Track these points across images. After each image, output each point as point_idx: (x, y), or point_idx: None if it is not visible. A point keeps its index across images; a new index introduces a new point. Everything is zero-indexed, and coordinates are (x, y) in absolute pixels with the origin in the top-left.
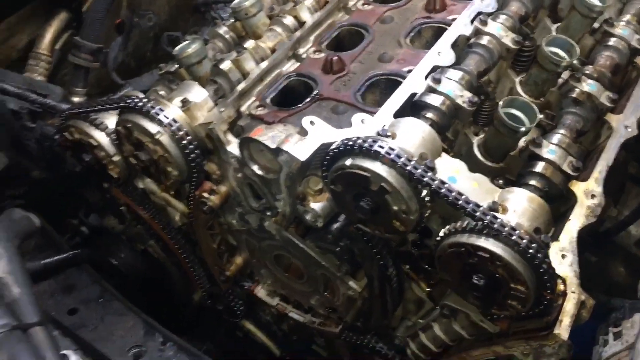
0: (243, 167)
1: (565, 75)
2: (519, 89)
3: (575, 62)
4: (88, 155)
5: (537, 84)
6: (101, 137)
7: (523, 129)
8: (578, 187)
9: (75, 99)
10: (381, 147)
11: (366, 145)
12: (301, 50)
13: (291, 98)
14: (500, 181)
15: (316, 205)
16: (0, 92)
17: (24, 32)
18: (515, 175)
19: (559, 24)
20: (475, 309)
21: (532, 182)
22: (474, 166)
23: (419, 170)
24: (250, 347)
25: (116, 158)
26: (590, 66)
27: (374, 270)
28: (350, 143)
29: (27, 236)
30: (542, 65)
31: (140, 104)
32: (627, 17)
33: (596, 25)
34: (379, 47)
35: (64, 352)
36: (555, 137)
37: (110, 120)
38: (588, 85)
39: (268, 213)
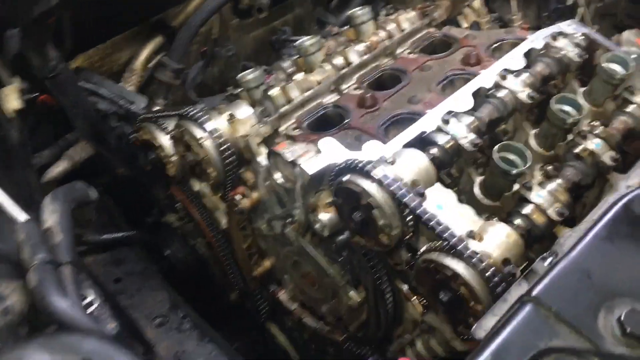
0: (270, 176)
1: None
2: (531, 140)
3: (583, 120)
4: (152, 153)
5: (547, 137)
6: (163, 139)
7: (514, 171)
8: (561, 232)
9: (158, 109)
10: (373, 167)
11: (361, 165)
12: (343, 86)
13: (326, 125)
14: (495, 218)
15: (324, 216)
16: (94, 94)
17: (125, 50)
18: None
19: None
20: (447, 328)
21: (517, 221)
22: (474, 202)
23: (402, 191)
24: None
25: (173, 158)
26: (602, 127)
27: (368, 283)
28: (350, 162)
29: (84, 204)
30: (551, 121)
31: (192, 113)
32: None
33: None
34: (411, 91)
35: (84, 291)
36: (548, 184)
37: (173, 125)
38: (593, 143)
39: (288, 220)
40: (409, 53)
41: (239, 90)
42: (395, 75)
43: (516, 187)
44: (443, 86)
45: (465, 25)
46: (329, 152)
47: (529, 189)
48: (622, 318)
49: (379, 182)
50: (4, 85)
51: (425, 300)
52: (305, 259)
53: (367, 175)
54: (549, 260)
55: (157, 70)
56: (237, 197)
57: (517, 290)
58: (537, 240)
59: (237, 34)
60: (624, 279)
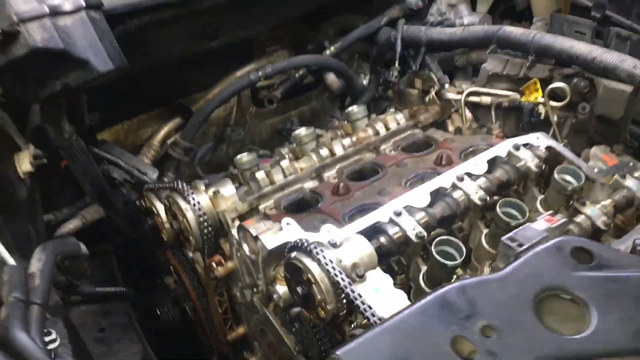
0: (240, 248)
1: None
2: (483, 239)
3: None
4: (151, 219)
5: (494, 237)
6: (160, 207)
7: (450, 264)
8: None
9: (166, 180)
10: (315, 247)
11: (306, 244)
12: (325, 174)
13: (302, 207)
14: None
15: (281, 289)
16: (112, 163)
17: (149, 127)
18: None
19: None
20: None
21: None
22: (419, 291)
23: (335, 271)
24: None
25: (167, 225)
26: None
27: (315, 354)
28: (300, 241)
29: (72, 257)
30: (497, 223)
31: (180, 187)
32: (607, 201)
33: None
34: (383, 184)
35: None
36: None
37: None
38: None
39: (255, 289)
40: (391, 150)
41: (236, 170)
42: (374, 168)
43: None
44: (412, 182)
45: (451, 129)
46: (288, 230)
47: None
48: None
49: (318, 261)
50: (20, 150)
51: None
52: (269, 328)
53: (309, 254)
54: None
55: (170, 147)
56: (214, 264)
57: None
58: None
59: (254, 120)
60: None
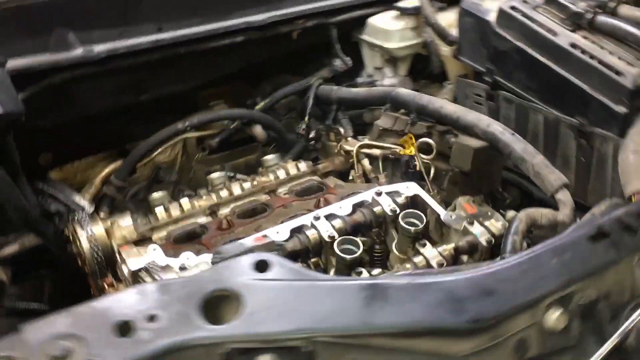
0: (121, 270)
1: None
2: (331, 272)
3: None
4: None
5: (340, 271)
6: (81, 235)
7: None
8: None
9: (101, 214)
10: (151, 267)
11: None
12: (220, 212)
13: (190, 239)
14: None
15: None
16: (52, 197)
17: (96, 168)
18: None
19: None
20: None
21: None
22: None
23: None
24: None
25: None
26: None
27: None
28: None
29: None
30: (337, 260)
31: (79, 217)
32: (449, 245)
33: None
34: (264, 222)
35: None
36: None
37: None
38: None
39: None
40: (285, 193)
41: None
42: (264, 208)
43: None
44: (286, 221)
45: (350, 177)
46: (152, 254)
47: None
48: None
49: None
50: None
51: None
52: None
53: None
54: None
55: (105, 186)
56: (106, 285)
57: None
58: None
59: (200, 166)
60: None
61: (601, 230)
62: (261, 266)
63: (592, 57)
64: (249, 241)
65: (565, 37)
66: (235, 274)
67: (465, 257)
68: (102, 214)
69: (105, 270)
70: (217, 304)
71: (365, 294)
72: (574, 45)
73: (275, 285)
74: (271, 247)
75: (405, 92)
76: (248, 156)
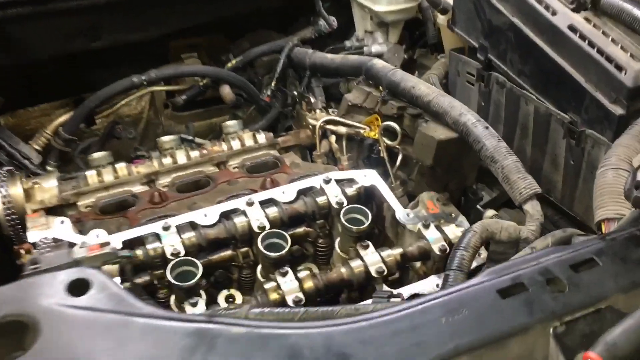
0: None
1: None
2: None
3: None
4: None
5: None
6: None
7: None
8: None
9: (48, 168)
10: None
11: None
12: (159, 182)
13: (120, 210)
14: None
15: None
16: None
17: (50, 117)
18: None
19: None
20: None
21: None
22: None
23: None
24: None
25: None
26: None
27: None
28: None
29: None
30: (262, 258)
31: None
32: (397, 250)
33: None
34: (201, 199)
35: None
36: None
37: None
38: None
39: None
40: (236, 167)
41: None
42: (207, 182)
43: None
44: (223, 202)
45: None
46: (57, 229)
47: None
48: None
49: None
50: None
51: None
52: None
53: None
54: None
55: (53, 137)
56: (22, 251)
57: None
58: None
59: (169, 122)
60: None
61: (517, 282)
62: (77, 287)
63: (590, 44)
64: (83, 251)
65: (564, 17)
66: (42, 295)
67: (418, 264)
68: (48, 168)
69: (23, 234)
70: (15, 327)
71: (187, 342)
72: (572, 28)
73: (83, 317)
74: (109, 258)
75: (381, 64)
76: (213, 119)
